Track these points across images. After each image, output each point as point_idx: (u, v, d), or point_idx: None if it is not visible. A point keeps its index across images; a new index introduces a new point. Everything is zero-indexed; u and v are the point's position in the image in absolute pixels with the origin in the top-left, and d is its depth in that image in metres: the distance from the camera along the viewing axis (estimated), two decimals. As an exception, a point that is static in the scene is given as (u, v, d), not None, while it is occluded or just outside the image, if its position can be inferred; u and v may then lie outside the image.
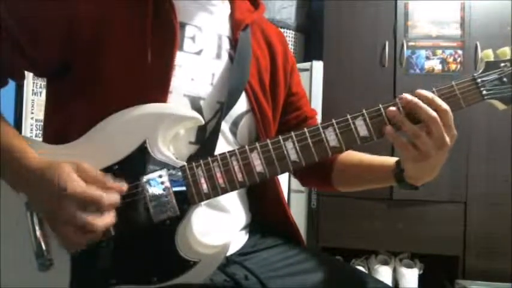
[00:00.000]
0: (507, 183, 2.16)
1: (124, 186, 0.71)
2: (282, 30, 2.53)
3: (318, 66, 2.36)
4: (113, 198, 0.69)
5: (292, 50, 2.58)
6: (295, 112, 1.01)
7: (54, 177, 0.67)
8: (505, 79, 0.78)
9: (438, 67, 2.24)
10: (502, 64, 0.79)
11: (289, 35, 2.61)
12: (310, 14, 2.75)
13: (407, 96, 0.76)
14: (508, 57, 0.79)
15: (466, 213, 2.22)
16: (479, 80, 0.78)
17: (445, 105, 0.75)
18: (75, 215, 0.66)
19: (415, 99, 0.75)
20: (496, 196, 2.19)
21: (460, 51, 2.23)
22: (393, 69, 2.27)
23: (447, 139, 0.75)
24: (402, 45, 2.26)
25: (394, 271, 2.28)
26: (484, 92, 0.78)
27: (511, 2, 2.19)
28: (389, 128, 0.76)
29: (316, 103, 2.32)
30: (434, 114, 0.74)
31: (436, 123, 0.74)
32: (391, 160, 0.88)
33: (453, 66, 2.24)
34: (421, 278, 2.25)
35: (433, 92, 0.77)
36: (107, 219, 0.68)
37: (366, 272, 2.22)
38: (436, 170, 0.81)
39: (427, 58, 2.25)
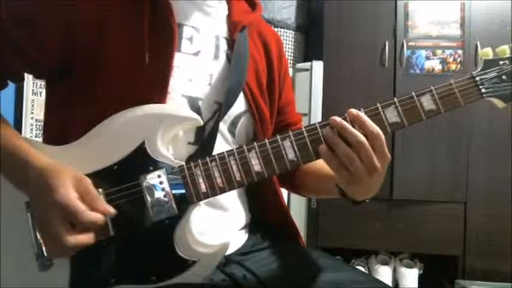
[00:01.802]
0: (507, 183, 2.15)
1: (111, 209, 0.70)
2: (282, 30, 2.54)
3: (318, 66, 2.36)
4: (94, 216, 0.68)
5: (292, 50, 2.58)
6: (280, 117, 1.01)
7: (52, 181, 0.68)
8: (504, 77, 0.78)
9: (438, 67, 2.24)
10: (501, 62, 0.78)
11: (289, 35, 2.60)
12: (310, 14, 2.74)
13: (336, 118, 0.74)
14: (507, 55, 0.78)
15: (466, 213, 2.22)
16: (478, 78, 0.78)
17: (376, 130, 0.73)
18: (55, 224, 0.66)
19: (342, 123, 0.73)
20: (496, 196, 2.18)
21: (460, 51, 2.23)
22: (393, 69, 2.27)
23: (377, 164, 0.72)
24: (402, 45, 2.26)
25: (394, 271, 2.28)
26: (483, 90, 0.77)
27: (511, 2, 2.19)
28: (323, 147, 0.74)
29: (316, 103, 2.32)
30: (361, 139, 0.72)
31: (364, 148, 0.72)
32: None
33: (453, 66, 2.24)
34: (421, 278, 2.25)
35: (430, 91, 0.77)
36: (82, 238, 0.68)
37: (366, 272, 2.22)
38: (373, 191, 0.79)
39: (427, 58, 2.25)
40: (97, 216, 0.68)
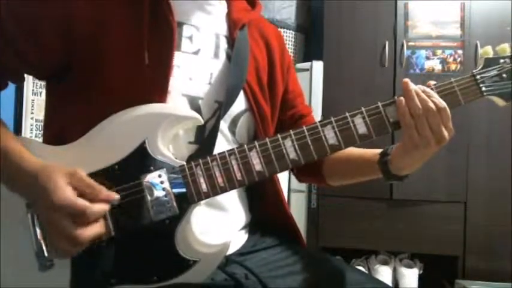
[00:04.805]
0: (507, 183, 2.15)
1: (115, 195, 0.71)
2: (282, 30, 2.54)
3: (318, 66, 2.36)
4: (99, 208, 0.69)
5: (292, 50, 2.59)
6: (290, 111, 1.01)
7: (45, 185, 0.68)
8: (504, 75, 0.78)
9: (438, 67, 2.24)
10: (502, 60, 0.79)
11: (289, 35, 2.60)
12: (310, 14, 2.75)
13: (410, 84, 0.76)
14: (508, 54, 0.79)
15: (466, 213, 2.21)
16: (478, 77, 0.78)
17: (443, 103, 0.75)
18: (61, 225, 0.67)
19: (416, 89, 0.76)
20: (496, 196, 2.18)
21: (460, 51, 2.23)
22: (393, 69, 2.27)
23: (445, 134, 0.75)
24: (402, 45, 2.26)
25: (394, 271, 2.28)
26: (484, 89, 0.78)
27: (511, 2, 2.19)
28: (401, 100, 0.76)
29: (316, 103, 2.32)
30: (431, 105, 0.74)
31: (433, 114, 0.74)
32: (376, 151, 0.88)
33: (453, 66, 2.24)
34: (421, 278, 2.25)
35: (431, 89, 0.77)
36: (93, 229, 0.68)
37: (366, 272, 2.22)
38: (422, 162, 0.81)
39: (427, 58, 2.25)
40: (101, 207, 0.69)
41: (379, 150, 0.87)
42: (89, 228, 0.68)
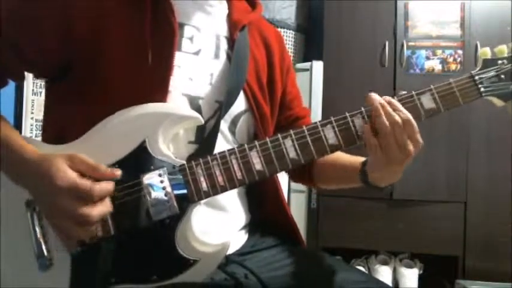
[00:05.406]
0: (507, 183, 2.16)
1: (118, 171, 0.72)
2: (282, 30, 2.54)
3: (318, 66, 2.36)
4: (104, 186, 0.69)
5: (292, 50, 2.59)
6: (286, 112, 1.01)
7: (47, 171, 0.68)
8: (502, 76, 0.79)
9: (438, 67, 2.25)
10: (500, 61, 0.79)
11: (289, 35, 2.61)
12: (310, 14, 2.75)
13: (375, 97, 0.76)
14: (505, 55, 0.80)
15: (466, 213, 2.22)
16: (477, 77, 0.79)
17: (408, 116, 0.75)
18: (68, 207, 0.67)
19: (378, 107, 0.75)
20: (496, 196, 2.19)
21: (460, 51, 2.23)
22: (393, 69, 2.27)
23: (410, 148, 0.75)
24: (402, 45, 2.26)
25: (394, 271, 2.28)
26: (482, 89, 0.79)
27: (511, 2, 2.19)
28: (367, 127, 0.76)
29: (316, 103, 2.32)
30: (397, 119, 0.74)
31: (398, 128, 0.74)
32: (359, 160, 0.88)
33: (453, 66, 2.24)
34: (421, 278, 2.25)
35: (430, 90, 0.77)
36: (101, 208, 0.69)
37: (366, 272, 2.22)
38: (399, 175, 0.81)
39: (427, 58, 2.26)
40: (105, 185, 0.70)
41: (361, 159, 0.87)
42: (95, 207, 0.68)
